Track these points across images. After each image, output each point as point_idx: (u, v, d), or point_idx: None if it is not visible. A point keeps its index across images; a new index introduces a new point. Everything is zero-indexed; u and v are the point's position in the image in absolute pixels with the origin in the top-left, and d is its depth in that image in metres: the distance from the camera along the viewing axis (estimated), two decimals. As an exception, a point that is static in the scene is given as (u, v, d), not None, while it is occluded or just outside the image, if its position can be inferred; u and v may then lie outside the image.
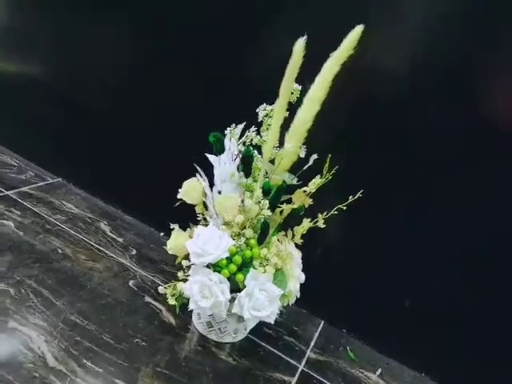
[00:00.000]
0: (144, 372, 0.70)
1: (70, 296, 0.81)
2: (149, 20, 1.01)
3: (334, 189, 0.78)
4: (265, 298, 0.70)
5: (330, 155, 0.76)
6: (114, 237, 1.05)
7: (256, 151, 0.80)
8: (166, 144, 1.05)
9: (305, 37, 0.69)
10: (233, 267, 0.71)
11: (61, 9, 1.14)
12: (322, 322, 0.98)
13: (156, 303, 0.86)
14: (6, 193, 1.08)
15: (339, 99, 0.74)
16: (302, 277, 0.79)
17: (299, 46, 0.70)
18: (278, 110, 0.77)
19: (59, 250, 0.93)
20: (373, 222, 0.89)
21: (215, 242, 0.71)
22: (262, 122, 0.80)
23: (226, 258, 0.71)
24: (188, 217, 0.83)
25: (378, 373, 0.88)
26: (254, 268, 0.72)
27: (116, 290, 0.86)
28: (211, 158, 0.80)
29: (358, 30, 0.70)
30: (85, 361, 0.68)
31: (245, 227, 0.76)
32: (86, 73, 1.15)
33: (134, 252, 1.01)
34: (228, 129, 0.78)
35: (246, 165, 0.74)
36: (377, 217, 0.89)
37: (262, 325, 0.79)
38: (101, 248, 0.99)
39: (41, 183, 1.19)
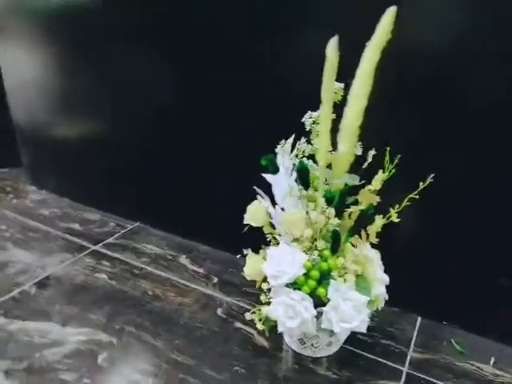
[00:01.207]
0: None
1: (166, 334, 0.85)
2: (186, 49, 1.05)
3: (399, 179, 0.74)
4: (351, 308, 0.69)
5: (387, 148, 0.73)
6: (195, 268, 1.10)
7: (311, 160, 0.79)
8: (225, 169, 1.08)
9: (335, 36, 0.67)
10: (312, 283, 0.71)
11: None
12: (419, 317, 0.93)
13: (246, 327, 0.88)
14: (94, 248, 1.18)
15: (382, 87, 0.71)
16: (386, 278, 0.76)
17: (332, 45, 0.68)
18: (324, 114, 0.75)
19: (149, 292, 0.99)
20: (444, 205, 0.84)
21: (289, 261, 0.71)
22: (310, 130, 0.79)
23: (304, 274, 0.71)
24: (259, 237, 0.84)
25: (491, 362, 0.82)
26: (334, 279, 0.71)
27: (207, 321, 0.90)
28: (268, 176, 0.80)
29: (391, 11, 0.66)
30: (192, 396, 0.72)
31: (315, 239, 0.75)
32: (138, 117, 1.22)
33: (216, 280, 1.05)
34: (278, 146, 0.78)
35: (302, 178, 0.73)
36: (447, 200, 0.83)
37: (355, 332, 0.77)
38: (185, 282, 1.03)
39: (122, 231, 1.28)
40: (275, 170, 0.75)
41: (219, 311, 0.93)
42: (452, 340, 0.86)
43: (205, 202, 1.18)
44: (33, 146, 1.57)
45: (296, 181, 0.79)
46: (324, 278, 0.72)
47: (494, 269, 0.84)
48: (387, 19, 0.66)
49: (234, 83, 1.00)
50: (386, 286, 0.77)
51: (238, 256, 1.15)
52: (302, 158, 0.76)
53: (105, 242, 1.21)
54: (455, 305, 0.89)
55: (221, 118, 1.05)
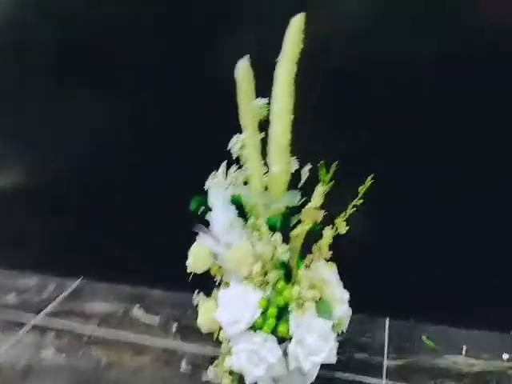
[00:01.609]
0: None
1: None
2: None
3: (341, 187, 0.71)
4: (317, 339, 0.64)
5: (321, 162, 0.69)
6: (151, 318, 1.01)
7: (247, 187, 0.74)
8: (164, 208, 1.01)
9: (245, 57, 0.62)
10: (271, 321, 0.65)
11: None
12: (387, 319, 0.91)
13: (214, 381, 0.81)
14: (35, 322, 1.05)
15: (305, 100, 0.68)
16: (346, 295, 0.72)
17: (241, 68, 0.63)
18: (249, 137, 0.70)
19: (103, 360, 0.90)
20: (386, 202, 0.83)
21: (242, 303, 0.65)
22: (238, 157, 0.74)
23: (260, 314, 0.65)
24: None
25: (463, 351, 0.81)
26: (291, 312, 0.66)
27: (171, 379, 0.82)
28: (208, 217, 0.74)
29: (298, 20, 0.63)
30: None
31: (266, 271, 0.70)
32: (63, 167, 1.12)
33: (175, 327, 0.97)
34: (207, 182, 0.72)
35: (240, 210, 0.68)
36: (393, 201, 0.82)
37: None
38: (141, 338, 0.95)
39: (64, 292, 1.17)
40: (207, 210, 0.69)
41: (183, 365, 0.86)
42: (423, 337, 0.85)
43: (151, 243, 1.10)
44: None
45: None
46: (282, 313, 0.67)
47: (449, 258, 0.83)
48: (294, 29, 0.63)
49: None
50: (350, 293, 0.74)
51: (193, 296, 1.07)
52: (233, 196, 0.71)
53: (46, 310, 1.10)
54: (419, 300, 0.88)
55: (153, 161, 0.98)
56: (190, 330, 0.95)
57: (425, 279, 0.86)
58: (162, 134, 0.96)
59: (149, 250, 1.10)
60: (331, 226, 0.74)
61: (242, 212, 0.69)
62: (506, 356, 0.78)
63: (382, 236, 0.87)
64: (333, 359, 0.66)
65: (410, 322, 0.90)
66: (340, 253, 0.75)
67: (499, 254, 0.82)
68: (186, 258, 0.76)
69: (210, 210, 0.70)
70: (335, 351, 0.66)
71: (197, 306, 0.76)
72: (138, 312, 1.05)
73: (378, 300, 0.89)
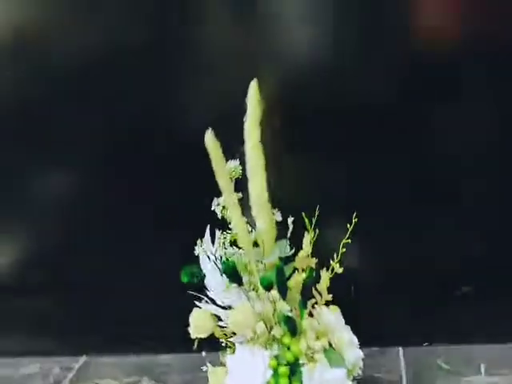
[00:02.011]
0: None
1: None
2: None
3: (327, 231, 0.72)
4: (333, 390, 0.63)
5: (302, 213, 0.70)
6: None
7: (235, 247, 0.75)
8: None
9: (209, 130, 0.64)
10: (284, 381, 0.64)
11: None
12: (400, 348, 0.90)
13: None
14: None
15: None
16: (355, 339, 0.72)
17: (209, 139, 0.65)
18: (228, 198, 0.71)
19: None
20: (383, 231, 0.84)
21: (251, 367, 0.64)
22: (223, 217, 0.74)
23: (272, 376, 0.64)
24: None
25: (483, 370, 0.80)
26: (302, 366, 0.65)
27: None
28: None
29: (253, 86, 0.66)
30: None
31: (271, 327, 0.69)
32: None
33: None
34: (196, 250, 0.72)
35: (233, 276, 0.68)
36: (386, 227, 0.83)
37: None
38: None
39: (69, 375, 1.13)
40: (201, 278, 0.69)
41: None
42: (438, 361, 0.84)
43: (149, 309, 1.08)
44: None
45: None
46: (294, 369, 0.66)
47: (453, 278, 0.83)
48: (252, 93, 0.65)
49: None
50: (357, 329, 0.73)
51: (203, 354, 1.05)
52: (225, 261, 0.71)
53: (55, 397, 1.06)
54: (429, 323, 0.88)
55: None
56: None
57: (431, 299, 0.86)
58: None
59: (150, 314, 1.08)
60: (325, 268, 0.75)
61: (235, 278, 0.69)
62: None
63: (375, 265, 0.88)
64: (353, 406, 0.64)
65: (425, 347, 0.89)
66: (337, 293, 0.76)
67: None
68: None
69: (204, 277, 0.69)
70: (353, 399, 0.65)
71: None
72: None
73: (387, 329, 0.89)
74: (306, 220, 0.71)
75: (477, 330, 0.84)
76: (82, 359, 1.18)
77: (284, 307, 0.67)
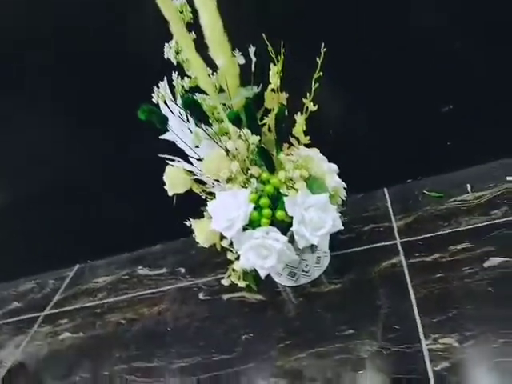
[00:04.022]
0: (275, 356, 0.64)
1: (160, 350, 0.75)
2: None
3: (299, 68, 0.66)
4: (317, 212, 0.62)
5: (263, 34, 0.64)
6: (157, 272, 0.98)
7: (197, 93, 0.69)
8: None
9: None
10: (267, 212, 0.62)
11: None
12: (385, 189, 0.89)
13: (235, 294, 0.80)
14: (43, 314, 1.02)
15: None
16: (334, 166, 0.69)
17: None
18: (179, 36, 0.64)
19: (122, 321, 0.87)
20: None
21: (233, 204, 0.62)
22: (178, 62, 0.67)
23: (254, 208, 0.62)
24: (193, 205, 0.74)
25: (469, 189, 0.80)
26: (286, 195, 0.63)
27: (194, 312, 0.81)
28: (166, 136, 0.69)
29: None
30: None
31: (248, 169, 0.67)
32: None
33: (183, 270, 0.95)
34: (153, 94, 0.66)
35: (196, 113, 0.63)
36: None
37: (334, 239, 0.71)
38: (154, 290, 0.92)
39: (65, 282, 1.13)
40: (161, 120, 0.64)
41: (201, 296, 0.84)
42: (424, 191, 0.84)
43: (129, 205, 1.05)
44: None
45: (196, 124, 0.69)
46: (276, 199, 0.64)
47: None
48: None
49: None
50: (341, 176, 0.71)
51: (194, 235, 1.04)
52: (184, 93, 0.65)
53: (52, 302, 1.06)
54: (411, 158, 0.86)
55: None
56: (197, 268, 0.93)
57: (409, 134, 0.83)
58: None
59: (131, 210, 1.05)
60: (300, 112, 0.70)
61: (199, 116, 0.64)
62: (510, 177, 0.77)
63: (352, 108, 0.84)
64: (339, 226, 0.64)
65: (407, 184, 0.88)
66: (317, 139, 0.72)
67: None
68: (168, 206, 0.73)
69: (166, 119, 0.64)
70: (339, 220, 0.64)
71: (198, 243, 0.73)
72: (142, 271, 1.02)
73: (369, 174, 0.87)
74: (269, 46, 0.64)
75: (460, 156, 0.82)
76: (75, 267, 1.18)
77: (255, 140, 0.64)
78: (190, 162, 0.71)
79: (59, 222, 1.13)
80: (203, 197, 0.72)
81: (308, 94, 0.70)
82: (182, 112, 0.68)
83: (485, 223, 0.72)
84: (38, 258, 1.22)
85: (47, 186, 1.06)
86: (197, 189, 0.71)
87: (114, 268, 1.08)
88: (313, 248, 0.67)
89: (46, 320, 1.00)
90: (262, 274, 0.63)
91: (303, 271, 0.72)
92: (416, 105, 0.79)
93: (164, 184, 0.71)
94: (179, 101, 0.67)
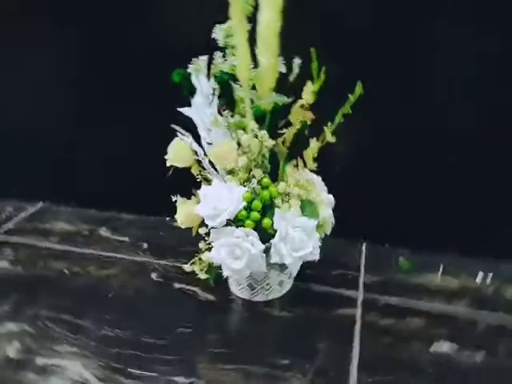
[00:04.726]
0: (201, 358, 0.62)
1: (92, 311, 0.72)
2: None
3: (333, 93, 0.68)
4: (301, 234, 0.62)
5: (312, 49, 0.65)
6: (119, 238, 0.96)
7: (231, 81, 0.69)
8: (138, 121, 0.95)
9: None
10: (255, 215, 0.62)
11: None
12: (364, 244, 0.90)
13: (188, 286, 0.78)
14: (-7, 237, 0.97)
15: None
16: (331, 199, 0.70)
17: None
18: (237, 23, 0.64)
19: (66, 271, 0.84)
20: (384, 118, 0.80)
21: (226, 196, 0.62)
22: (225, 47, 0.68)
23: (244, 208, 0.62)
24: (187, 186, 0.73)
25: (440, 272, 0.81)
26: (278, 207, 0.63)
27: (141, 289, 0.78)
28: (185, 110, 0.69)
29: None
30: (132, 370, 0.60)
31: (251, 169, 0.67)
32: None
33: (146, 246, 0.92)
34: (190, 65, 0.66)
35: (226, 95, 0.63)
36: (385, 115, 0.79)
37: (304, 269, 0.71)
38: (109, 254, 0.89)
39: (22, 214, 1.08)
40: (190, 88, 0.64)
41: (154, 276, 0.82)
42: (400, 258, 0.85)
43: (119, 166, 1.03)
44: None
45: (219, 110, 0.69)
46: (268, 208, 0.64)
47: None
48: None
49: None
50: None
51: (167, 218, 1.02)
52: (223, 73, 0.65)
53: (1, 228, 1.01)
54: (398, 225, 0.87)
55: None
56: (161, 248, 0.90)
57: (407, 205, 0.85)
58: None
59: (118, 171, 1.03)
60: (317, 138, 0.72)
61: (228, 99, 0.64)
62: (479, 277, 0.79)
63: (364, 159, 0.85)
64: (316, 256, 0.64)
65: (386, 247, 0.89)
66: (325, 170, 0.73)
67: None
68: (159, 181, 0.72)
69: (194, 90, 0.64)
70: (318, 250, 0.64)
71: (171, 226, 0.72)
72: (105, 233, 0.99)
73: (355, 224, 0.87)
74: (315, 63, 0.65)
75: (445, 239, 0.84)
76: (39, 205, 1.13)
77: (270, 143, 0.64)
78: (199, 144, 0.71)
79: (41, 153, 1.10)
80: (198, 179, 0.71)
81: (329, 124, 0.71)
82: (210, 93, 0.68)
83: (446, 309, 0.73)
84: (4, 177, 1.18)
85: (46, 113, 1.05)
86: (196, 169, 0.71)
87: (77, 218, 1.05)
88: (282, 268, 0.67)
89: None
90: (226, 273, 0.62)
91: (263, 288, 0.71)
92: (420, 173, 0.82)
93: (163, 156, 0.71)
94: (213, 83, 0.67)
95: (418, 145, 0.82)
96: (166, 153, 0.71)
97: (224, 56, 0.68)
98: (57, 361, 0.62)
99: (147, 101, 0.90)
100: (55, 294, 0.77)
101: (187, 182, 0.71)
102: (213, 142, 0.69)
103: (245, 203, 0.62)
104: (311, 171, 0.73)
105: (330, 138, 0.71)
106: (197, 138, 0.71)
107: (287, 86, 0.68)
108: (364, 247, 0.90)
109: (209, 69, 0.69)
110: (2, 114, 1.08)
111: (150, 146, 0.77)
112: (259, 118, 0.63)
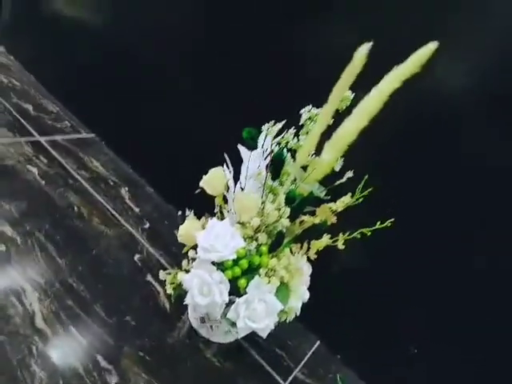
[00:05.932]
0: (127, 352, 0.69)
1: (73, 257, 0.80)
2: None
3: (363, 210, 0.73)
4: (263, 310, 0.67)
5: (366, 176, 0.71)
6: (132, 206, 1.04)
7: (290, 155, 0.76)
8: (204, 127, 1.02)
9: (370, 43, 0.63)
10: (237, 270, 0.68)
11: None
12: (318, 342, 0.94)
13: (156, 284, 0.84)
14: (38, 138, 1.08)
15: (389, 116, 0.69)
16: (306, 296, 0.75)
17: (362, 52, 0.64)
18: (324, 115, 0.71)
19: (75, 208, 0.93)
20: (393, 251, 0.84)
21: (225, 241, 0.68)
22: (303, 125, 0.75)
23: (233, 259, 0.68)
24: (207, 204, 0.80)
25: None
26: (259, 276, 0.69)
27: (120, 262, 0.86)
28: (242, 150, 0.76)
29: (431, 47, 0.63)
30: (72, 327, 0.67)
31: (259, 231, 0.73)
32: (142, 26, 1.12)
33: (147, 225, 1.00)
34: (266, 125, 0.73)
35: (275, 166, 0.70)
36: (398, 246, 0.83)
37: (255, 332, 0.76)
38: (116, 214, 0.98)
39: (74, 135, 1.19)
40: (253, 146, 0.71)
41: (136, 257, 0.89)
42: (338, 375, 0.88)
43: (170, 148, 1.11)
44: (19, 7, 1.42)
45: (267, 167, 0.75)
46: (250, 271, 0.69)
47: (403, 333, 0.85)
48: (423, 53, 0.63)
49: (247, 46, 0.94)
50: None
51: (179, 213, 1.10)
52: (283, 148, 0.72)
53: (52, 137, 1.12)
54: (354, 345, 0.91)
55: (221, 71, 0.98)
56: (158, 235, 0.98)
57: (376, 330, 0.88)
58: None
59: (165, 150, 1.11)
60: (331, 236, 0.76)
61: (274, 171, 0.70)
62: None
63: (368, 272, 0.89)
64: (264, 334, 0.68)
65: (336, 358, 0.92)
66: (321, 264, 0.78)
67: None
68: (190, 178, 0.79)
69: (256, 147, 0.71)
70: (269, 330, 0.69)
71: (177, 222, 0.78)
72: (124, 193, 1.07)
73: (318, 319, 0.91)
74: (362, 185, 0.71)
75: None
76: (91, 135, 1.24)
77: (285, 223, 0.70)
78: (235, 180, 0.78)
79: (121, 89, 1.20)
80: (216, 210, 0.78)
81: (341, 234, 0.76)
82: (268, 150, 0.75)
83: None
84: (78, 94, 1.29)
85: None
86: (219, 201, 0.77)
87: (111, 167, 1.14)
88: (233, 324, 0.72)
89: (34, 144, 1.06)
90: (187, 300, 0.68)
91: (211, 327, 0.77)
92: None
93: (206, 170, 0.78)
94: (275, 145, 0.74)
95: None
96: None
97: (297, 133, 0.74)
98: (23, 281, 0.70)
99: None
100: (56, 223, 0.86)
101: (209, 200, 0.78)
102: (245, 189, 0.76)
103: (235, 256, 0.67)
104: (308, 259, 0.78)
105: (341, 246, 0.76)
106: (236, 174, 0.78)
107: (330, 183, 0.74)
108: (317, 345, 0.93)
109: (281, 131, 0.76)
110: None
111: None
112: (290, 199, 0.69)
